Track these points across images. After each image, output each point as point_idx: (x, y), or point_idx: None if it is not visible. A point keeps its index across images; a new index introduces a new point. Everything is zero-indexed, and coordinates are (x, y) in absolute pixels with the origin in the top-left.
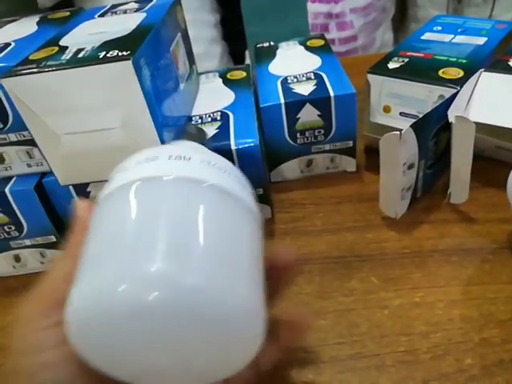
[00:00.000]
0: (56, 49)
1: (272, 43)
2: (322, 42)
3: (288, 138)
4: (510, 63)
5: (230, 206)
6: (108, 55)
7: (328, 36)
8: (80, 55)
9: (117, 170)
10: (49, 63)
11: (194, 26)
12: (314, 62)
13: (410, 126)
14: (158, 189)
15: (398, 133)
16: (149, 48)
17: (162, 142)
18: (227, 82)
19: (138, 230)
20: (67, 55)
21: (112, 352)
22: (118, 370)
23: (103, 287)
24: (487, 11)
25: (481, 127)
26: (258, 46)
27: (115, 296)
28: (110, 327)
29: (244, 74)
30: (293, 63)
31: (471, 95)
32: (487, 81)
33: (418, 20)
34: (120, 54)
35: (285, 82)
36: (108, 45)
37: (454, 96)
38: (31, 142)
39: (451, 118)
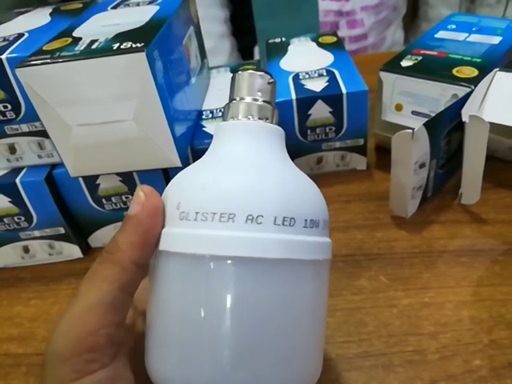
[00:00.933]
0: (69, 40)
1: (284, 39)
2: (334, 39)
3: (298, 135)
4: None
5: (315, 278)
6: (122, 47)
7: (338, 34)
8: (93, 46)
9: (212, 208)
10: (62, 54)
11: (205, 22)
12: (326, 58)
13: (423, 124)
14: (229, 275)
15: (411, 131)
16: (162, 41)
17: (174, 135)
18: None
19: (215, 325)
20: (81, 46)
21: None
22: None
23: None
24: (500, 11)
25: (494, 128)
26: (270, 41)
27: None
28: None
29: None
30: (305, 59)
31: (485, 95)
32: (502, 80)
33: (429, 19)
34: (134, 45)
35: (296, 78)
36: (122, 36)
37: (467, 95)
38: (43, 133)
39: (465, 118)
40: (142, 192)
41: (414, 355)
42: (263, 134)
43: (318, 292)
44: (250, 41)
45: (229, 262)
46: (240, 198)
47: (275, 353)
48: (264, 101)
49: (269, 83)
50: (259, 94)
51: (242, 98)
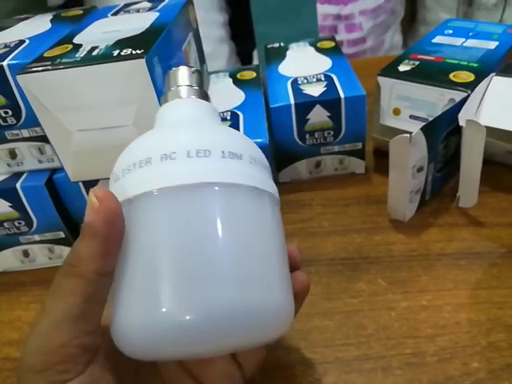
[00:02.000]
0: (70, 46)
1: (282, 44)
2: (332, 44)
3: (297, 139)
4: None
5: (251, 203)
6: (122, 53)
7: (337, 38)
8: (94, 53)
9: (133, 161)
10: (63, 60)
11: (203, 26)
12: (324, 63)
13: (421, 128)
14: (184, 201)
15: (408, 135)
16: (162, 47)
17: None
18: (237, 82)
19: (169, 256)
20: (81, 53)
21: (159, 355)
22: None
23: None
24: (498, 15)
25: (491, 131)
26: (269, 46)
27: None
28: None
29: (254, 74)
30: (303, 64)
31: (482, 99)
32: (498, 85)
33: (427, 23)
34: (134, 52)
35: (295, 82)
36: (122, 43)
37: (464, 100)
38: (43, 138)
39: (462, 122)
40: (95, 197)
41: (412, 358)
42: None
43: (264, 219)
44: (249, 45)
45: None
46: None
47: (233, 274)
48: (190, 85)
49: (193, 72)
50: (188, 81)
51: (177, 86)
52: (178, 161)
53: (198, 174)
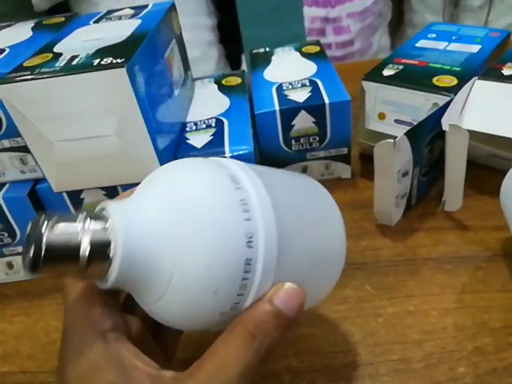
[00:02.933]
0: (50, 56)
1: (267, 49)
2: (317, 49)
3: (283, 145)
4: (503, 71)
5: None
6: (102, 62)
7: (325, 40)
8: (74, 62)
9: None
10: (43, 70)
11: (192, 30)
12: (309, 68)
13: (405, 133)
14: None
15: (392, 140)
16: (143, 55)
17: (156, 148)
18: (222, 88)
19: None
20: (61, 62)
21: None
22: None
23: None
24: (483, 16)
25: (475, 135)
26: (254, 51)
27: None
28: None
29: (239, 80)
30: (288, 69)
31: (465, 103)
32: (481, 89)
33: (414, 25)
34: (114, 61)
35: (280, 88)
36: (102, 52)
37: (447, 104)
38: (25, 149)
39: (445, 127)
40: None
41: (399, 364)
42: None
43: None
44: (237, 48)
45: None
46: None
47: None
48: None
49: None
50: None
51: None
52: None
53: None
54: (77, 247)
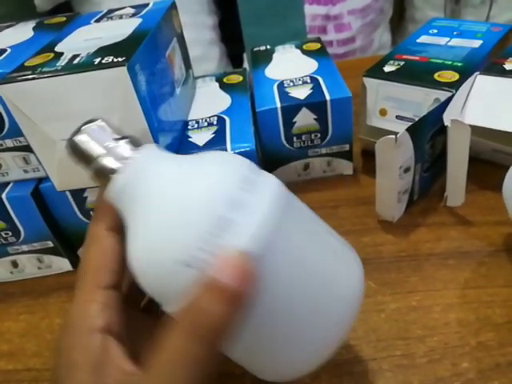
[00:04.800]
0: (51, 55)
1: (268, 47)
2: (318, 46)
3: (284, 142)
4: (505, 66)
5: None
6: (103, 61)
7: (326, 38)
8: (75, 61)
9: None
10: (44, 69)
11: (193, 29)
12: (310, 65)
13: (406, 129)
14: None
15: (394, 136)
16: (144, 53)
17: None
18: (224, 86)
19: None
20: (62, 61)
21: None
22: None
23: None
24: (485, 12)
25: (477, 130)
26: (255, 49)
27: None
28: None
29: (240, 78)
30: (289, 67)
31: (467, 98)
32: (482, 84)
33: (415, 21)
34: (115, 59)
35: (281, 85)
36: (103, 51)
37: (449, 99)
38: (28, 148)
39: (447, 122)
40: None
41: (402, 359)
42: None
43: None
44: (239, 47)
45: None
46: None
47: None
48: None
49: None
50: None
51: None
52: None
53: None
54: (91, 158)
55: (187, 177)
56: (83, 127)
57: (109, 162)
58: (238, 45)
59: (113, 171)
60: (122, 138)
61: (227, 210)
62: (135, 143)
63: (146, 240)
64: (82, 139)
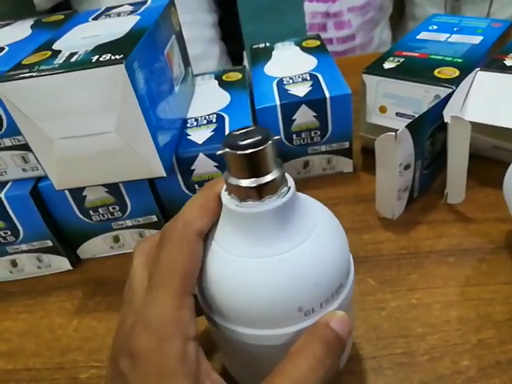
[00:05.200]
0: (49, 53)
1: (268, 44)
2: (317, 43)
3: (284, 140)
4: (505, 62)
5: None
6: (101, 59)
7: (326, 35)
8: (73, 59)
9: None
10: (41, 68)
11: (193, 27)
12: (309, 62)
13: (406, 126)
14: None
15: (394, 133)
16: (142, 51)
17: (157, 145)
18: (223, 84)
19: None
20: (60, 59)
21: None
22: None
23: None
24: (485, 8)
25: (477, 127)
26: (254, 47)
27: None
28: None
29: (240, 75)
30: (288, 64)
31: (467, 95)
32: (483, 80)
33: (415, 18)
34: (113, 57)
35: (280, 83)
36: (101, 48)
37: (449, 96)
38: (26, 147)
39: (447, 118)
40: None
41: (403, 357)
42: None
43: None
44: (239, 45)
45: None
46: None
47: None
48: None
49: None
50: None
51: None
52: None
53: None
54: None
55: (326, 242)
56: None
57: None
58: (237, 43)
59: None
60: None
61: (344, 278)
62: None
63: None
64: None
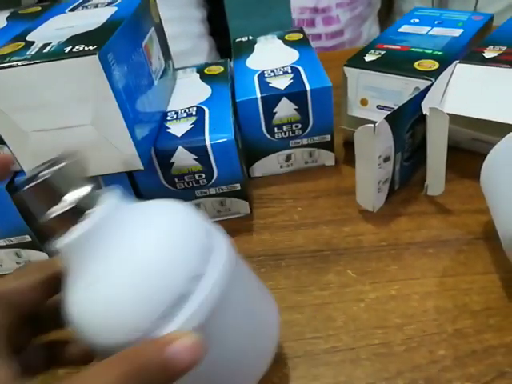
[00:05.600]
0: (22, 44)
1: (251, 37)
2: (300, 36)
3: (266, 133)
4: (484, 54)
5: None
6: (74, 50)
7: (314, 31)
8: (45, 50)
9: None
10: (13, 58)
11: (182, 22)
12: (291, 55)
13: (385, 118)
14: None
15: (372, 125)
16: (118, 42)
17: (134, 138)
18: (204, 77)
19: None
20: (32, 50)
21: None
22: None
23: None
24: (472, 4)
25: (456, 119)
26: (237, 40)
27: None
28: None
29: (222, 68)
30: (270, 57)
31: (446, 87)
32: (462, 72)
33: (403, 13)
34: (86, 48)
35: (262, 76)
36: (75, 39)
37: (428, 88)
38: (0, 141)
39: (425, 110)
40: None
41: (380, 348)
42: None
43: None
44: (228, 40)
45: None
46: None
47: None
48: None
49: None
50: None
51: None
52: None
53: None
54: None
55: (149, 247)
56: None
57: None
58: (226, 38)
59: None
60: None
61: (188, 285)
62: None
63: (103, 299)
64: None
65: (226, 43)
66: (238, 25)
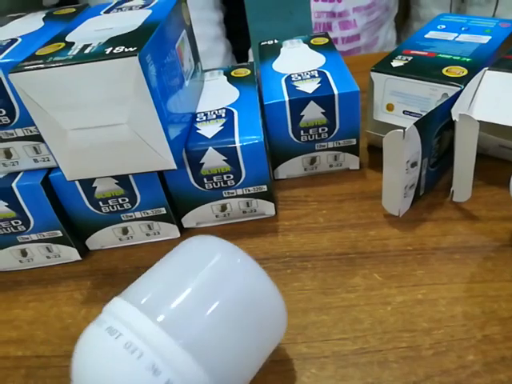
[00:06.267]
0: (62, 44)
1: (276, 41)
2: (326, 40)
3: (292, 136)
4: None
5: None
6: (114, 51)
7: (331, 35)
8: (86, 51)
9: None
10: (55, 59)
11: (199, 25)
12: (317, 60)
13: (414, 123)
14: None
15: (402, 130)
16: (155, 44)
17: (168, 138)
18: (232, 80)
19: None
20: (74, 51)
21: None
22: None
23: None
24: (490, 10)
25: (484, 126)
26: (262, 43)
27: None
28: None
29: (248, 71)
30: (297, 61)
31: (475, 94)
32: (491, 79)
33: (420, 19)
34: (126, 50)
35: (289, 79)
36: (114, 41)
37: (457, 94)
38: (38, 138)
39: (455, 116)
40: None
41: (408, 351)
42: None
43: None
44: (244, 43)
45: None
46: None
47: None
48: None
49: None
50: None
51: None
52: None
53: None
54: None
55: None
56: None
57: None
58: (242, 41)
59: None
60: None
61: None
62: None
63: None
64: None
65: (243, 46)
66: (258, 27)
